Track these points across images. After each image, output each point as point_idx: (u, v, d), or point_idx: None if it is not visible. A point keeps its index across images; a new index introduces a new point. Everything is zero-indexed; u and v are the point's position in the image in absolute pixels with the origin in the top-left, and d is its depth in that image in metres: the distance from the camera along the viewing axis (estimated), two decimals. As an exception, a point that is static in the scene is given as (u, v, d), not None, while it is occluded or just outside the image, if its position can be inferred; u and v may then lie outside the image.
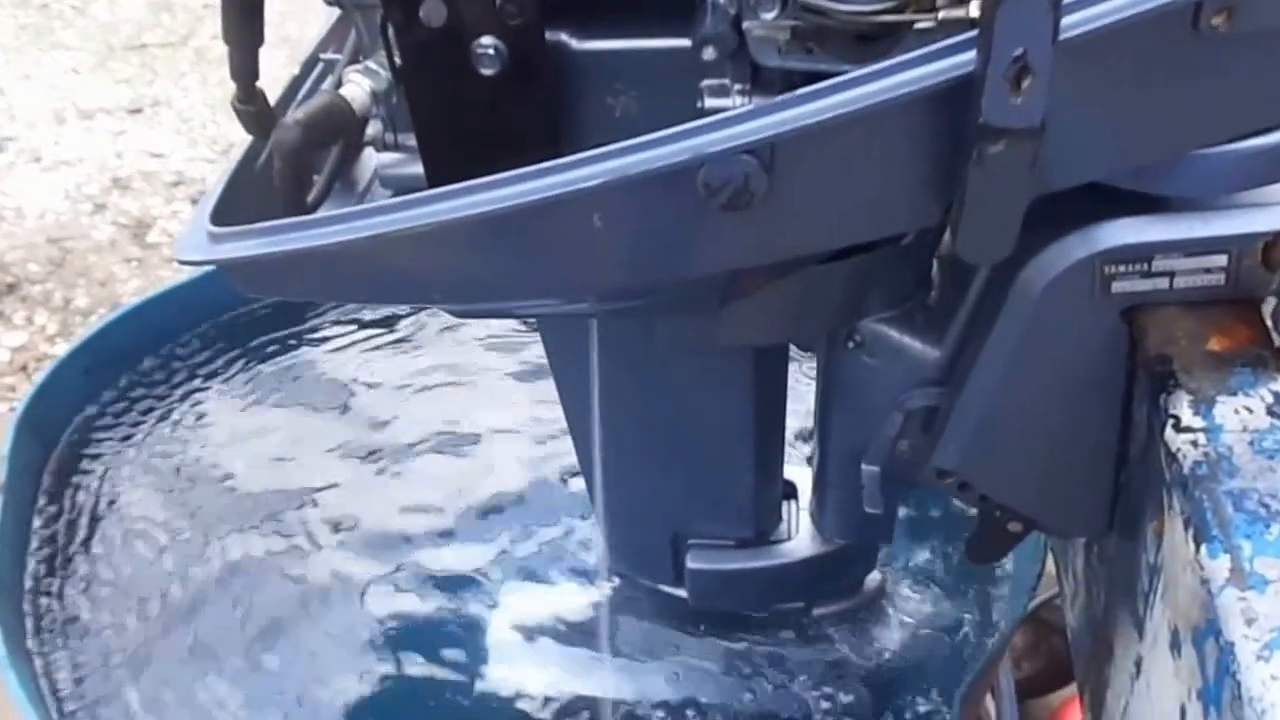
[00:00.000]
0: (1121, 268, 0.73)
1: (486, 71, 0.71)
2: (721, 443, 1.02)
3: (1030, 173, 0.58)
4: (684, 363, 0.94)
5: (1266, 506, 0.63)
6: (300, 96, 0.88)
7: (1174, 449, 0.68)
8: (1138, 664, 0.81)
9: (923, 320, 0.90)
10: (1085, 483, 0.87)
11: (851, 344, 0.91)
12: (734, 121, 0.61)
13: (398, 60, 0.71)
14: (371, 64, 0.80)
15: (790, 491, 1.14)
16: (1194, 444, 0.67)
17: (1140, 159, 0.65)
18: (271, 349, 1.63)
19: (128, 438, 1.49)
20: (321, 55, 0.89)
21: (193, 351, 1.61)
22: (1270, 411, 0.68)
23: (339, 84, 0.82)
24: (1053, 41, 0.52)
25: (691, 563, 1.11)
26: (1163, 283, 0.74)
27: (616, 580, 1.21)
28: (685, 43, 0.74)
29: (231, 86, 0.81)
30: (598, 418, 0.99)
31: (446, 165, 0.75)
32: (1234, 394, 0.69)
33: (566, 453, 1.29)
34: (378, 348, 1.65)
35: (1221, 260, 0.72)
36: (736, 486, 1.05)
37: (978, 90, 0.54)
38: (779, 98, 0.60)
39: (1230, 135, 0.64)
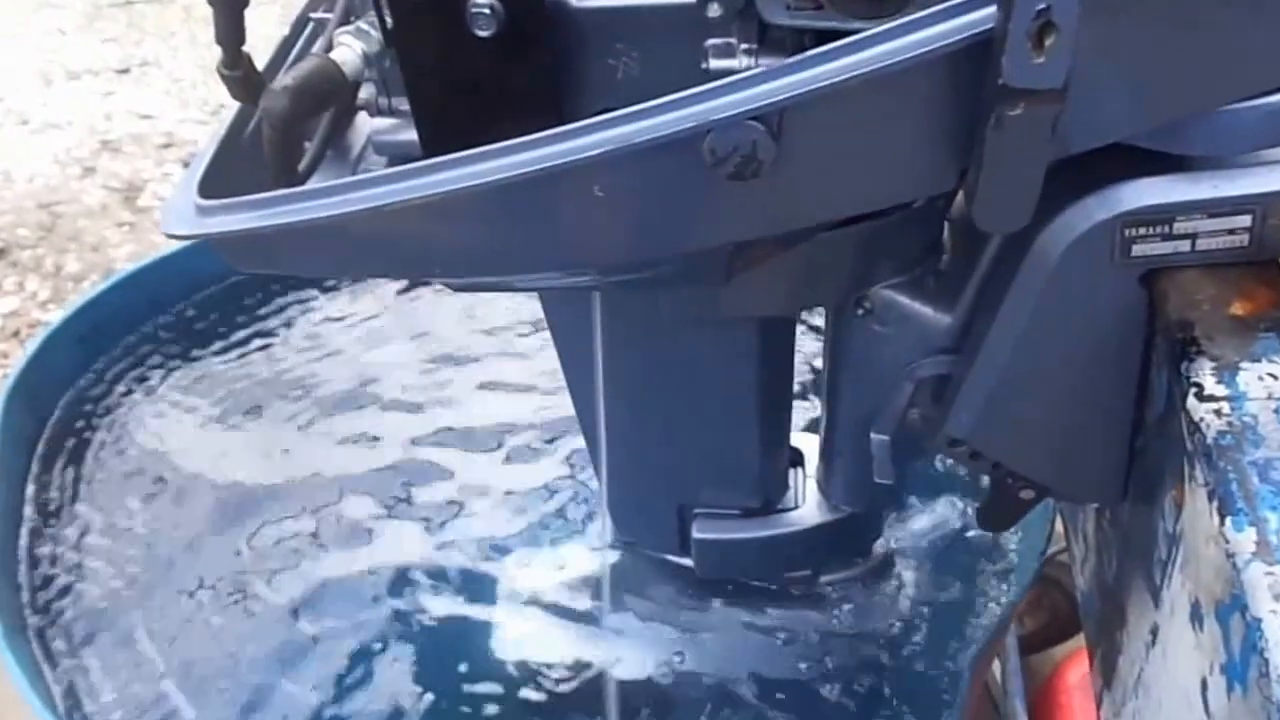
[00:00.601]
0: (1142, 230, 0.71)
1: (483, 32, 0.68)
2: (728, 411, 1.00)
3: (1051, 136, 0.55)
4: (688, 332, 0.92)
5: (1293, 478, 0.61)
6: (290, 60, 0.85)
7: (1197, 418, 0.66)
8: (1154, 632, 0.79)
9: (934, 286, 0.88)
10: (1099, 449, 0.85)
11: (861, 311, 0.89)
12: (740, 86, 0.58)
13: (389, 21, 0.68)
14: (363, 24, 0.77)
15: (796, 459, 1.13)
16: (1217, 413, 0.65)
17: (1168, 115, 0.62)
18: (270, 317, 1.61)
19: (120, 407, 1.47)
20: (311, 15, 0.86)
21: (189, 320, 1.59)
22: (1297, 378, 0.66)
23: (329, 46, 0.79)
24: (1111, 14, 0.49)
25: (698, 532, 1.09)
26: (1184, 245, 0.71)
27: (621, 550, 1.20)
28: (688, 0, 0.71)
29: (219, 49, 0.78)
30: (602, 388, 0.97)
31: (442, 132, 0.73)
32: (1258, 360, 0.67)
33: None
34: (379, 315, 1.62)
35: (1246, 221, 0.69)
36: (743, 455, 1.04)
37: (997, 49, 0.52)
38: (787, 61, 0.58)
39: (1266, 86, 0.61)
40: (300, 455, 1.40)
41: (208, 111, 3.27)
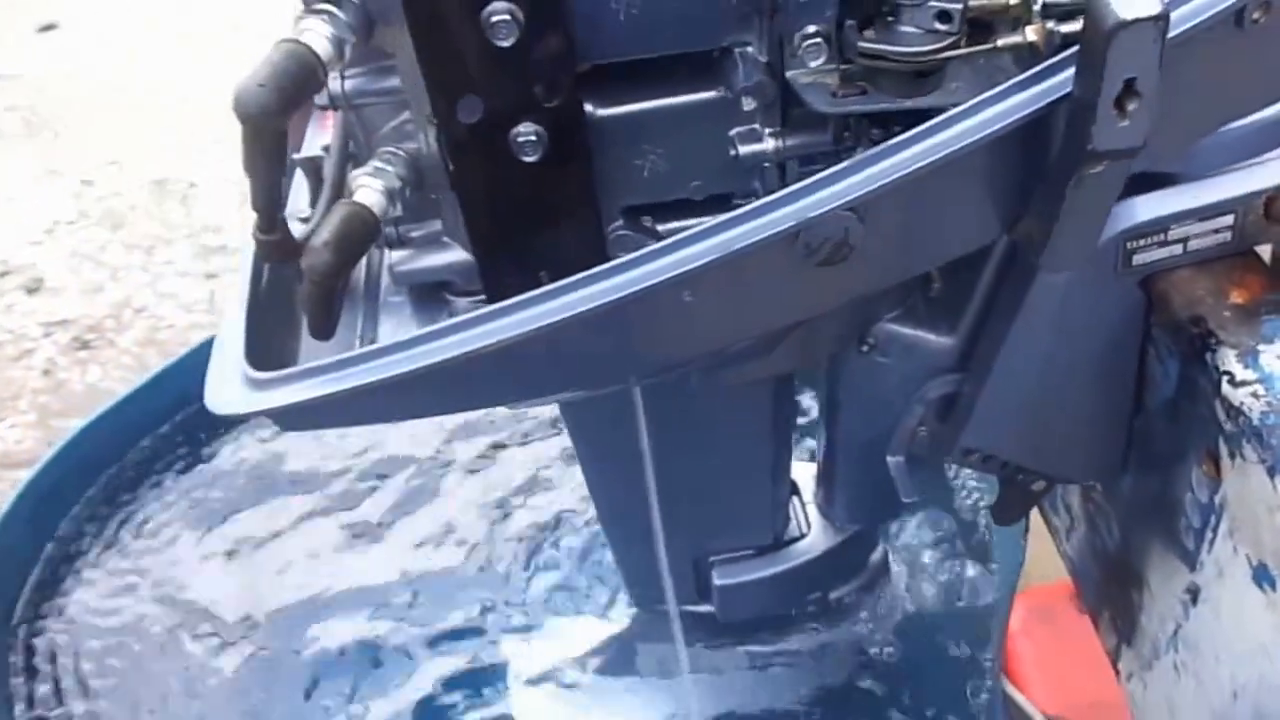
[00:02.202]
0: (1142, 241, 0.78)
1: (529, 158, 0.69)
2: (746, 462, 1.03)
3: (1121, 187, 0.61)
4: (710, 397, 0.95)
5: (1335, 443, 0.69)
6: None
7: (1236, 403, 0.73)
8: (1191, 592, 0.87)
9: (925, 312, 0.94)
10: (1102, 436, 0.93)
11: (866, 348, 0.93)
12: (831, 181, 0.62)
13: (449, 164, 0.68)
14: (377, 163, 0.76)
15: (793, 489, 1.17)
16: (1255, 395, 0.73)
17: (1191, 141, 0.69)
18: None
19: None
20: (297, 157, 0.84)
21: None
22: (1308, 352, 0.74)
23: (338, 188, 0.78)
24: (1160, 65, 0.55)
25: (720, 579, 1.12)
26: (1177, 248, 0.79)
27: (636, 609, 1.22)
28: (711, 95, 0.73)
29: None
30: (624, 464, 0.98)
31: (495, 248, 0.73)
32: (1271, 342, 0.75)
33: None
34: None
35: (1229, 220, 0.78)
36: (760, 499, 1.07)
37: (1083, 118, 0.57)
38: (869, 152, 0.61)
39: (1262, 107, 0.69)
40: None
41: (42, 231, 3.04)
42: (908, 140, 0.61)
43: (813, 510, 1.17)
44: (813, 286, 0.67)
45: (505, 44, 0.63)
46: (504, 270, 0.74)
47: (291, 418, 0.73)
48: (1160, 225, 0.77)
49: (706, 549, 1.10)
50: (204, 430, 1.56)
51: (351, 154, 0.83)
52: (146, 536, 1.46)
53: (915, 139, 0.61)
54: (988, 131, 0.61)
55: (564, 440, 1.45)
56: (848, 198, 0.61)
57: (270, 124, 0.63)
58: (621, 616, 1.23)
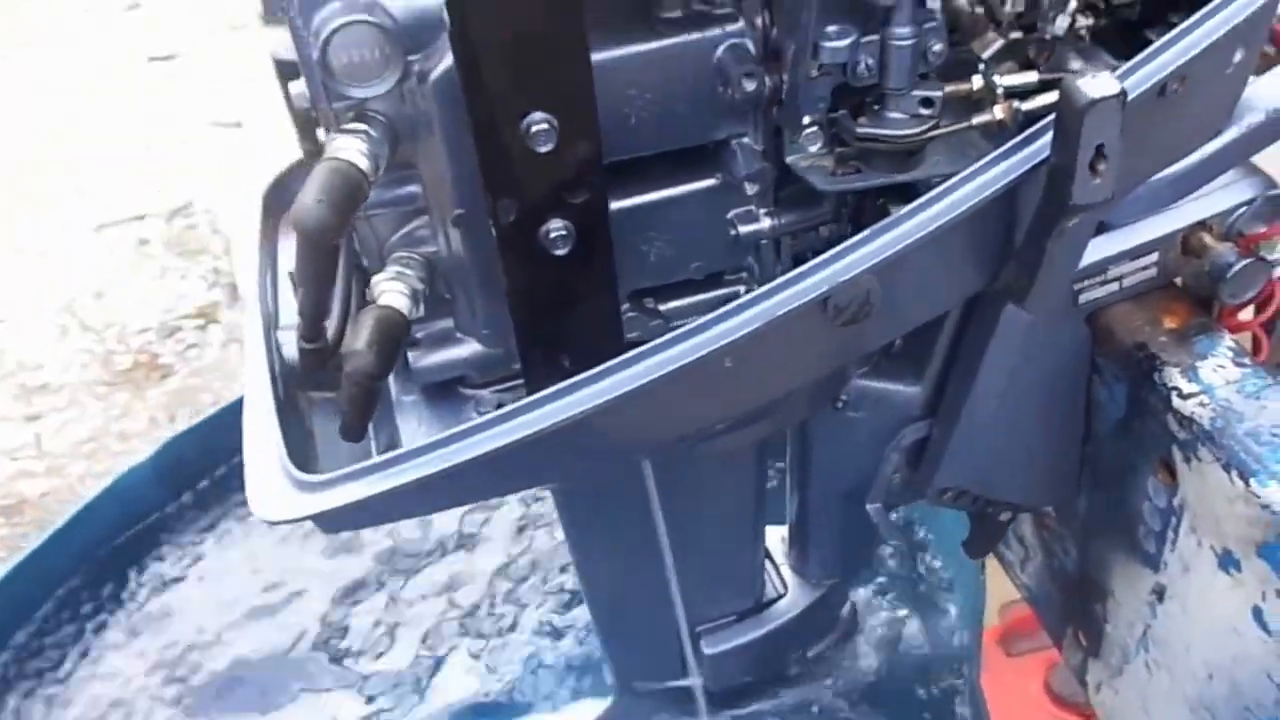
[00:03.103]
0: (1086, 281, 0.89)
1: (560, 252, 0.74)
2: (733, 528, 1.08)
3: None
4: (700, 466, 1.00)
5: (1276, 435, 0.80)
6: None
7: (1187, 413, 0.84)
8: (1158, 593, 0.97)
9: (888, 366, 1.02)
10: (1060, 462, 1.03)
11: (839, 405, 1.01)
12: (853, 249, 0.69)
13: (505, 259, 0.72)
14: (397, 268, 0.79)
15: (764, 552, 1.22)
16: (1201, 405, 0.83)
17: (1128, 192, 0.79)
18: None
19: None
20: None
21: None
22: (1236, 362, 0.86)
23: (364, 294, 0.81)
24: (1121, 133, 0.65)
25: (709, 648, 1.16)
26: (1114, 286, 0.90)
27: (622, 692, 1.24)
28: (711, 183, 0.81)
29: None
30: (612, 539, 1.02)
31: (533, 334, 0.77)
32: (1205, 358, 0.87)
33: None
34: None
35: (1154, 257, 0.90)
36: (745, 563, 1.12)
37: (1064, 179, 0.66)
38: (888, 219, 0.69)
39: (1176, 161, 0.81)
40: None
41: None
42: (917, 209, 0.69)
43: (786, 570, 1.22)
44: (836, 344, 0.74)
45: (544, 150, 0.69)
46: (534, 357, 0.78)
47: (337, 518, 0.74)
48: (1100, 267, 0.88)
49: (695, 618, 1.14)
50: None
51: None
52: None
53: (922, 207, 0.70)
54: (981, 197, 0.70)
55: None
56: (870, 263, 0.69)
57: (327, 239, 0.67)
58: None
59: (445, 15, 0.63)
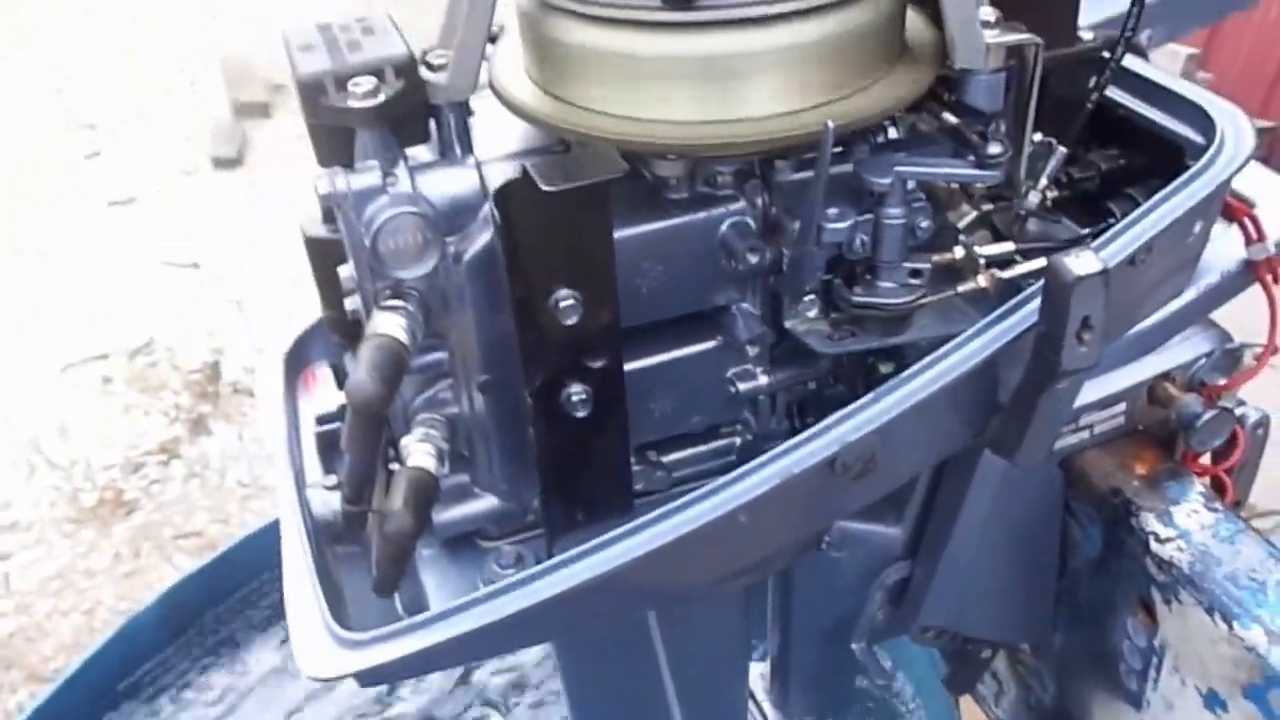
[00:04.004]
0: (1060, 428, 0.95)
1: (580, 414, 0.79)
2: (722, 670, 1.10)
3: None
4: (693, 611, 1.03)
5: (1253, 579, 0.86)
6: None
7: (1166, 557, 0.89)
8: (1141, 728, 1.01)
9: (870, 508, 1.05)
10: (1036, 600, 1.08)
11: (824, 545, 1.05)
12: (859, 411, 0.75)
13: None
14: (424, 429, 0.83)
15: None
16: (1179, 549, 0.89)
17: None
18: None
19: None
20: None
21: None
22: (1208, 507, 0.92)
23: (390, 454, 0.84)
24: (1105, 306, 0.71)
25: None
26: (1085, 433, 0.97)
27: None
28: (712, 345, 0.86)
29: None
30: (611, 690, 1.04)
31: (558, 490, 0.81)
32: (1178, 503, 0.93)
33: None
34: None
35: (1123, 406, 0.96)
36: (728, 703, 1.14)
37: (1053, 346, 0.72)
38: (889, 383, 0.75)
39: (1142, 321, 0.88)
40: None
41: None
42: (915, 373, 0.75)
43: (767, 706, 1.24)
44: (843, 497, 0.79)
45: (569, 322, 0.74)
46: (554, 509, 0.82)
47: (376, 673, 0.76)
48: (1073, 416, 0.95)
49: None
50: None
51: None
52: None
53: (920, 371, 0.75)
54: (972, 362, 0.76)
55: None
56: (875, 424, 0.74)
57: (378, 409, 0.71)
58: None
59: (491, 209, 0.68)
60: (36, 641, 2.44)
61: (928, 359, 0.76)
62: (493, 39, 0.86)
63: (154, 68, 5.26)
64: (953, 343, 0.76)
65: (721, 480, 0.74)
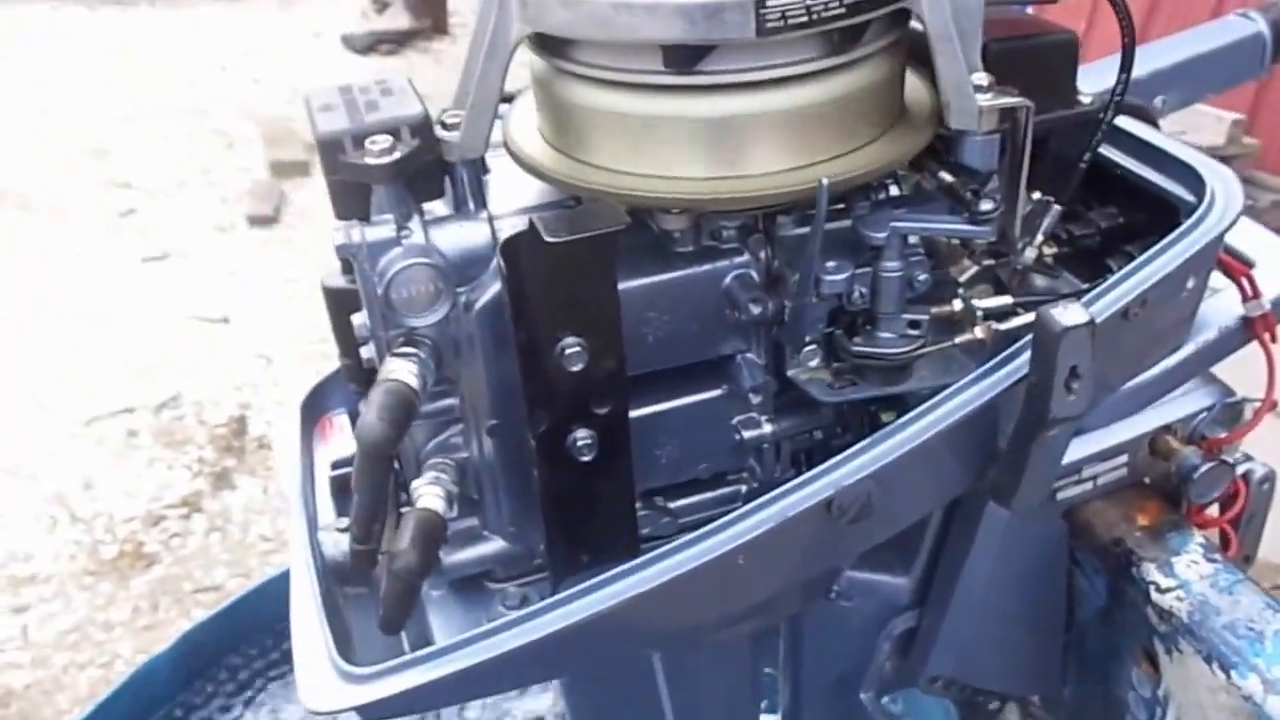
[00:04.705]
0: (1062, 480, 0.97)
1: (585, 459, 0.81)
2: (742, 714, 1.11)
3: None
4: (702, 658, 1.04)
5: (1251, 629, 0.86)
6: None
7: (1166, 607, 0.90)
8: (1148, 779, 1.01)
9: (877, 557, 1.07)
10: (1044, 651, 1.08)
11: (832, 595, 1.06)
12: (855, 456, 0.77)
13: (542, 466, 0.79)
14: (433, 473, 0.86)
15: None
16: (1179, 599, 0.90)
17: (1099, 402, 0.88)
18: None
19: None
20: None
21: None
22: (1208, 558, 0.93)
23: (401, 497, 0.87)
24: (1092, 356, 0.74)
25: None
26: (1089, 484, 0.98)
27: None
28: (717, 393, 0.88)
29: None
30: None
31: (563, 530, 0.83)
32: (1178, 554, 0.94)
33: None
34: None
35: (1124, 458, 0.98)
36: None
37: (1042, 395, 0.74)
38: (885, 429, 0.77)
39: (1139, 374, 0.90)
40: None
41: None
42: (911, 420, 0.77)
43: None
44: (839, 541, 0.80)
45: (575, 369, 0.77)
46: (558, 553, 0.84)
47: (380, 707, 0.78)
48: (1076, 467, 0.96)
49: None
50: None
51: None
52: None
53: (916, 418, 0.77)
54: (967, 409, 0.78)
55: None
56: (871, 469, 0.76)
57: (385, 451, 0.73)
58: None
59: (499, 262, 0.71)
60: (53, 694, 2.46)
61: (922, 407, 0.78)
62: (508, 99, 0.90)
63: (191, 128, 5.41)
64: (946, 391, 0.78)
65: (720, 522, 0.76)
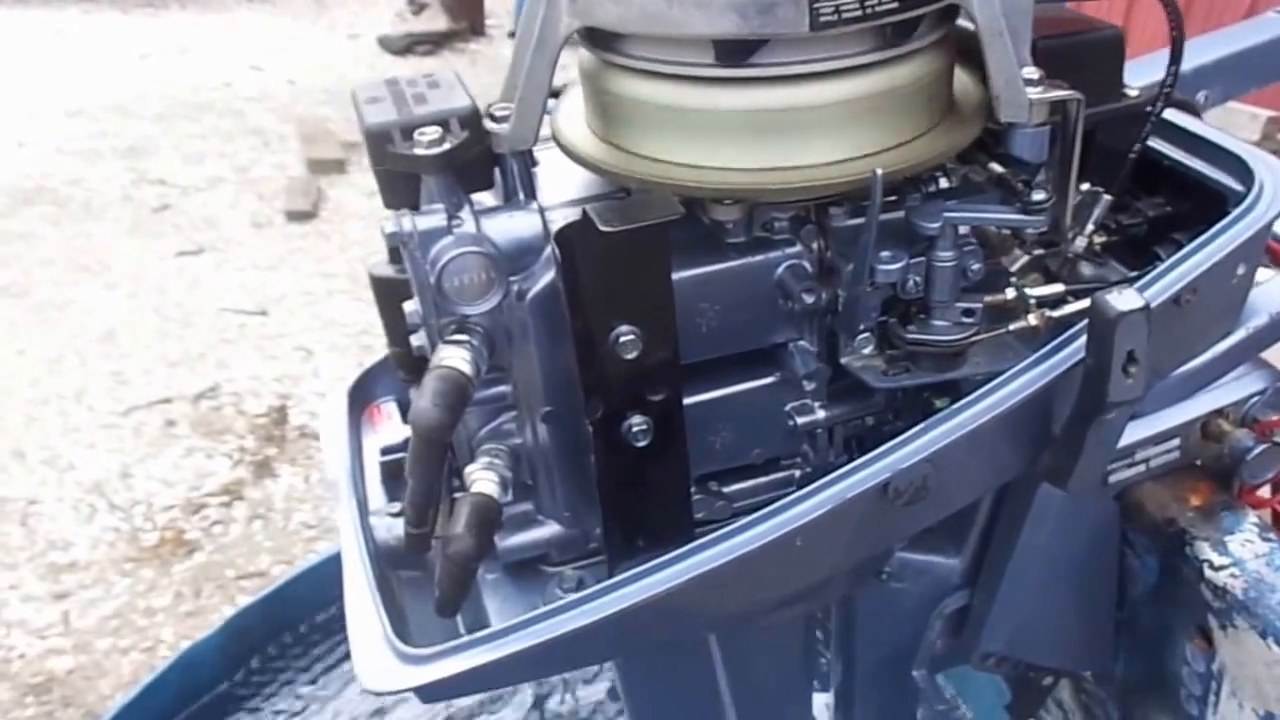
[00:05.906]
0: (1116, 463, 0.97)
1: (640, 444, 0.82)
2: (784, 697, 1.12)
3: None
4: (756, 638, 1.05)
5: (1307, 605, 0.87)
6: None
7: (1220, 584, 0.90)
8: (1201, 753, 1.01)
9: (929, 539, 1.08)
10: (1096, 628, 1.09)
11: (884, 575, 1.07)
12: (911, 439, 0.77)
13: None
14: (487, 459, 0.86)
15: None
16: (1234, 576, 0.90)
17: (1151, 387, 0.88)
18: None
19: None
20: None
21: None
22: (1262, 537, 0.93)
23: (453, 484, 0.88)
24: (1149, 338, 0.74)
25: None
26: (1141, 467, 0.98)
27: None
28: (770, 380, 0.89)
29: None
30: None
31: (619, 513, 0.84)
32: (1232, 533, 0.94)
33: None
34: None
35: (1176, 441, 0.98)
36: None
37: (1100, 380, 0.75)
38: (941, 413, 0.78)
39: (1191, 359, 0.90)
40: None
41: None
42: (967, 404, 0.78)
43: (830, 740, 1.25)
44: (895, 523, 0.81)
45: (629, 357, 0.77)
46: (614, 537, 0.85)
47: (437, 689, 0.79)
48: (1128, 451, 0.96)
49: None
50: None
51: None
52: None
53: (972, 403, 0.78)
54: (1022, 395, 0.78)
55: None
56: (927, 452, 0.77)
57: (440, 437, 0.75)
58: None
59: (553, 251, 0.72)
60: (95, 679, 2.49)
61: (978, 392, 0.78)
62: (555, 94, 0.91)
63: (226, 128, 5.44)
64: (1003, 376, 0.79)
65: (778, 505, 0.77)
